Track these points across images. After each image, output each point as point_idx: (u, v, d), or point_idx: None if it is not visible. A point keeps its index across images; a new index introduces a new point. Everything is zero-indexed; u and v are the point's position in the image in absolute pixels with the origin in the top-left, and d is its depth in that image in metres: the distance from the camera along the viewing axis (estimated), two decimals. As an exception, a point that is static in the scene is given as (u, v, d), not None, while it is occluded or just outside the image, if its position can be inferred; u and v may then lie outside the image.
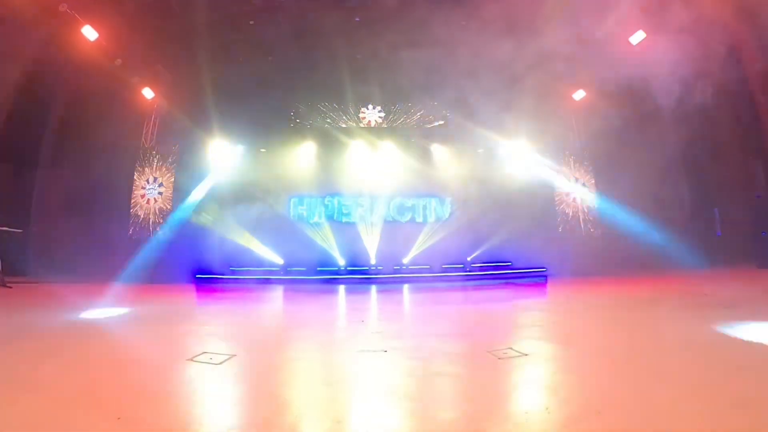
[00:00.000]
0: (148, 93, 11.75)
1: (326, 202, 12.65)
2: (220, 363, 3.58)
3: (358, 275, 11.30)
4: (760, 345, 3.72)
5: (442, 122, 12.70)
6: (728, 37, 8.31)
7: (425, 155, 12.61)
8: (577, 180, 12.54)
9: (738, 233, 10.78)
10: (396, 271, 11.54)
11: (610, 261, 10.86)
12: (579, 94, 12.00)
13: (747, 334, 4.10)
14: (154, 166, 12.33)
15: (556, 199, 12.51)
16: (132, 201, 12.19)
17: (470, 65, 9.49)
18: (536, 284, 10.18)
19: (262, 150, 12.62)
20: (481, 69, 9.63)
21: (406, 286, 10.46)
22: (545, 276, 10.70)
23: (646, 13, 8.64)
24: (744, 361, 3.30)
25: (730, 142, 10.39)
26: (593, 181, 12.45)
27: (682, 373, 3.10)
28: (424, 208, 12.69)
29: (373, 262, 11.95)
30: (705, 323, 4.70)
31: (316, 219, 12.55)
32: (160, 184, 12.26)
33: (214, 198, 12.05)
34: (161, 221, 12.07)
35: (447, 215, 12.57)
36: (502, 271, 11.23)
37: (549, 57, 9.30)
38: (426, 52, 10.13)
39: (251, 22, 10.20)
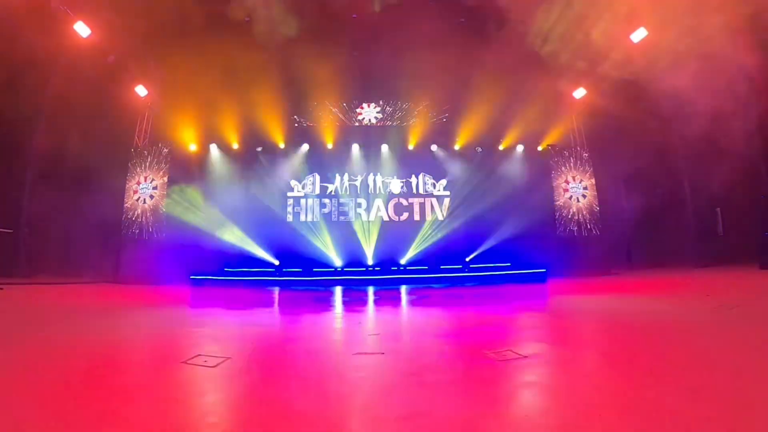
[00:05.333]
0: (141, 90, 11.62)
1: (323, 202, 12.55)
2: (215, 366, 3.52)
3: (355, 276, 11.21)
4: (760, 346, 3.69)
5: (440, 121, 12.64)
6: (735, 39, 8.29)
7: (424, 154, 12.56)
8: (577, 180, 12.50)
9: (742, 233, 10.75)
10: (394, 272, 11.44)
11: (610, 261, 10.84)
12: (580, 93, 11.99)
13: (746, 334, 4.08)
14: (148, 166, 12.17)
15: (556, 198, 12.48)
16: (125, 201, 12.03)
17: (469, 64, 9.46)
18: (536, 285, 10.12)
19: (258, 149, 12.52)
20: (480, 68, 9.61)
21: (404, 287, 10.39)
22: (545, 276, 10.66)
23: (648, 12, 8.63)
24: (744, 362, 3.27)
25: (735, 141, 10.37)
26: (593, 181, 12.43)
27: (681, 375, 3.08)
28: (422, 207, 12.62)
29: (370, 262, 11.87)
30: (705, 324, 4.68)
31: (312, 219, 12.44)
32: (155, 187, 12.11)
33: (208, 198, 11.93)
34: (155, 222, 11.92)
35: (445, 215, 12.50)
36: (502, 272, 11.16)
37: (550, 55, 9.27)
38: (425, 51, 10.07)
39: (246, 19, 10.12)
